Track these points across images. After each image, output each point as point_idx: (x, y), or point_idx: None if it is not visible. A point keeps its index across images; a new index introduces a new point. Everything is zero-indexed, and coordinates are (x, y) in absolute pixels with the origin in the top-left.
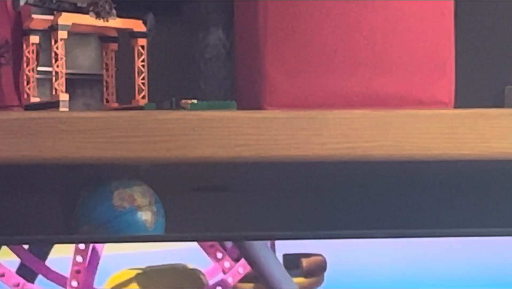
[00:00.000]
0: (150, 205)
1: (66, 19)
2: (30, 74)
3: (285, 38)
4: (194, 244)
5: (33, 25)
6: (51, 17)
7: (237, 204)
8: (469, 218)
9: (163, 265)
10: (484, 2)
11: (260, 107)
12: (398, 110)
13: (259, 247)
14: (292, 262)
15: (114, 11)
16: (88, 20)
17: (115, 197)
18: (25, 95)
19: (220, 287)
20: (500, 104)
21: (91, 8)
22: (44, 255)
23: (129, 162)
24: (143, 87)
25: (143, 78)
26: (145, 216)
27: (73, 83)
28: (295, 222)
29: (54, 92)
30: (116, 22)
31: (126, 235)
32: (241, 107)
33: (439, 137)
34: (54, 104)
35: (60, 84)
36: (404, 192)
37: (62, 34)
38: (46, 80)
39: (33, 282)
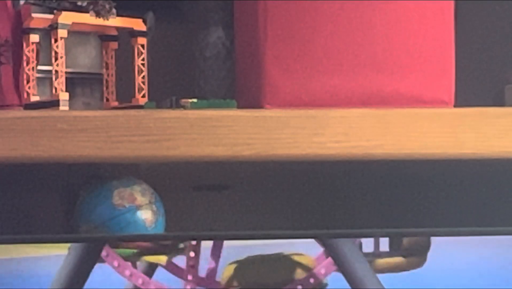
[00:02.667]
0: (150, 203)
1: (66, 18)
2: (30, 73)
3: (285, 38)
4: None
5: (33, 24)
6: (51, 16)
7: (236, 203)
8: (469, 217)
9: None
10: (484, 2)
11: (260, 106)
12: (398, 109)
13: (345, 244)
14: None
15: (114, 10)
16: (88, 19)
17: (115, 196)
18: (25, 94)
19: (312, 279)
20: (500, 103)
21: (91, 7)
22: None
23: (129, 161)
24: (143, 86)
25: (143, 77)
26: (145, 215)
27: (73, 82)
28: (295, 221)
29: (54, 91)
30: (116, 21)
31: (126, 234)
32: (241, 106)
33: (439, 136)
34: (54, 103)
35: (60, 83)
36: (404, 191)
37: (62, 33)
38: (46, 79)
39: (150, 277)
